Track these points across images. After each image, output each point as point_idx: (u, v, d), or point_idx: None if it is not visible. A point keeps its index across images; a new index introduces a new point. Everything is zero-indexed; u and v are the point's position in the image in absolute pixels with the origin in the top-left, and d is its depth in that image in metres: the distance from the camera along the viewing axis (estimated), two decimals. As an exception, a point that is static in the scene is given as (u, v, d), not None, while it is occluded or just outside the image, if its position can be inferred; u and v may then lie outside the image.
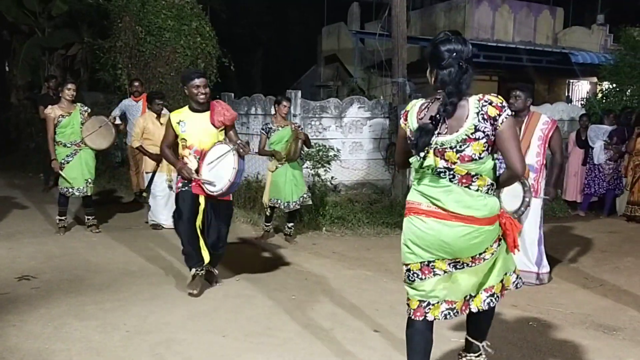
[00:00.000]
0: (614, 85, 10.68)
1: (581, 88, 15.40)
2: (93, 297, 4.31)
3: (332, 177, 8.43)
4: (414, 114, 2.61)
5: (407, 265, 2.66)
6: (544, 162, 5.07)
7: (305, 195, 6.38)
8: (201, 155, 4.36)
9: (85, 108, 6.44)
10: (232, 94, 10.23)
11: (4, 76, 14.26)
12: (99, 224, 6.62)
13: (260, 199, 7.78)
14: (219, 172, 4.26)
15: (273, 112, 6.59)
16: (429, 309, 2.63)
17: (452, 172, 2.54)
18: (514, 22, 14.52)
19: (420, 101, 2.64)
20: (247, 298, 4.47)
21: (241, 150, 4.23)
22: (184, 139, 4.40)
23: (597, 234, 7.43)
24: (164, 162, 6.76)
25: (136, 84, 8.10)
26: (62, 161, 6.18)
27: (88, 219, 6.54)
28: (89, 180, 6.32)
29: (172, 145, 4.53)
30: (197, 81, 4.31)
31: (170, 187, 6.63)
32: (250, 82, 19.36)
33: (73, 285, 4.59)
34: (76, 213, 7.18)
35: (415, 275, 2.63)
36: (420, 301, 2.64)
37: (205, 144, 4.38)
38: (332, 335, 3.75)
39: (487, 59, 12.68)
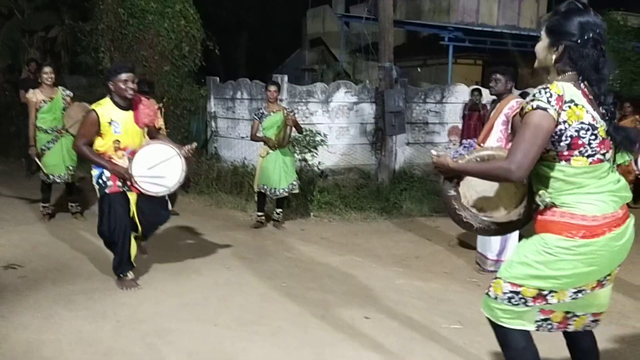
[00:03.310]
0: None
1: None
2: (81, 286, 4.27)
3: (319, 163, 8.43)
4: (584, 101, 2.09)
5: (520, 286, 2.18)
6: (507, 146, 4.91)
7: (294, 183, 6.36)
8: (131, 155, 4.15)
9: (68, 92, 6.31)
10: (217, 78, 10.12)
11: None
12: (84, 211, 6.54)
13: (247, 184, 7.77)
14: (162, 174, 4.14)
15: (265, 97, 6.52)
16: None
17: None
18: (498, 5, 14.54)
19: (570, 85, 2.09)
20: (238, 286, 4.47)
21: (187, 155, 4.23)
22: (117, 140, 4.12)
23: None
24: None
25: None
26: (43, 147, 6.06)
27: (71, 206, 6.46)
28: (71, 167, 6.21)
29: (91, 143, 4.15)
30: (124, 75, 4.06)
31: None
32: (235, 65, 19.15)
33: (60, 274, 4.54)
34: (60, 200, 7.08)
35: (522, 300, 2.20)
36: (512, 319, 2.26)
37: (137, 144, 4.21)
38: (324, 322, 3.76)
39: (472, 43, 12.69)
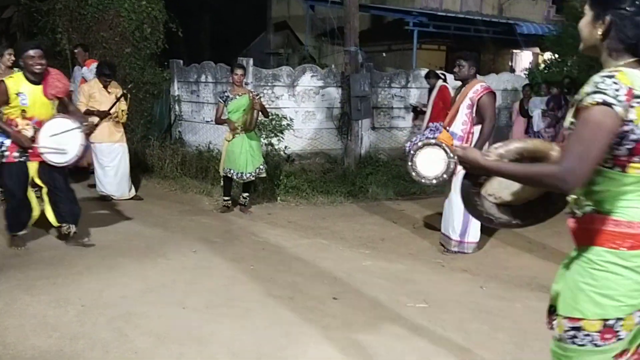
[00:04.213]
0: (557, 55, 11.05)
1: (524, 58, 15.85)
2: (44, 271, 4.17)
3: (285, 147, 8.42)
4: None
5: (580, 319, 1.73)
6: (471, 130, 4.98)
7: (261, 167, 6.33)
8: (38, 125, 4.52)
9: (26, 75, 6.11)
10: (181, 61, 9.94)
11: None
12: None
13: (212, 169, 7.70)
14: (61, 145, 4.48)
15: (231, 80, 6.44)
16: None
17: None
18: (461, -9, 14.71)
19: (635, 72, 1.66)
20: (205, 269, 4.45)
21: (87, 130, 4.67)
22: (24, 110, 4.50)
23: (539, 200, 7.76)
24: (109, 130, 6.55)
25: (75, 50, 7.75)
26: None
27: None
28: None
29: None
30: (31, 52, 4.44)
31: None
32: (198, 48, 18.81)
33: (21, 259, 4.43)
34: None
35: (588, 338, 1.73)
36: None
37: (44, 114, 4.57)
38: (293, 303, 3.80)
39: (436, 28, 12.81)
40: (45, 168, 4.57)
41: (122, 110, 6.63)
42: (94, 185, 6.86)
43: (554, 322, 1.85)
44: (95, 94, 6.55)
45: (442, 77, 8.72)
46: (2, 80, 4.48)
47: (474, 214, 2.11)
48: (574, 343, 1.75)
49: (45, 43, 9.94)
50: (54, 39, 9.59)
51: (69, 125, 4.51)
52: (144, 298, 3.79)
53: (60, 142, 4.48)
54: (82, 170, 7.55)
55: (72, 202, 4.83)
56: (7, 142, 4.50)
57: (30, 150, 4.52)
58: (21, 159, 4.54)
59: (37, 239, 5.01)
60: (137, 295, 3.84)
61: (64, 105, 4.76)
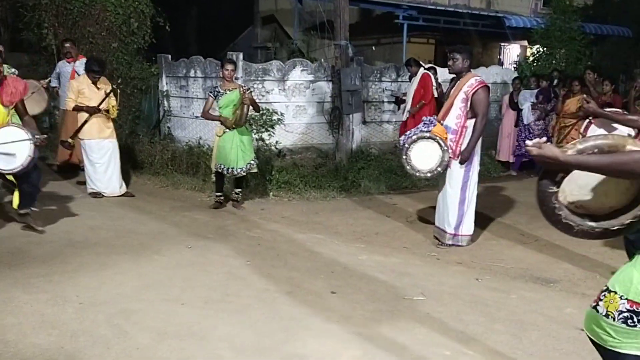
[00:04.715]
0: (545, 48, 11.13)
1: (512, 51, 15.95)
2: (39, 269, 4.13)
3: (276, 142, 8.40)
4: None
5: None
6: (465, 124, 5.00)
7: (252, 162, 6.30)
8: None
9: (13, 70, 6.04)
10: (169, 56, 9.84)
11: None
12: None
13: (203, 164, 7.66)
14: (10, 153, 4.53)
15: (221, 75, 6.40)
16: None
17: None
18: (450, -15, 14.72)
19: None
20: (201, 265, 4.44)
21: (38, 143, 4.60)
22: None
23: (529, 192, 7.79)
24: (98, 126, 6.49)
25: (67, 44, 7.64)
26: None
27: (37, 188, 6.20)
28: None
29: None
30: None
31: None
32: (185, 42, 18.65)
33: (16, 257, 4.38)
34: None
35: None
36: None
37: (0, 121, 4.59)
38: (291, 298, 3.81)
39: (426, 21, 12.83)
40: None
41: (113, 106, 6.57)
42: (83, 183, 6.79)
43: (603, 295, 1.86)
44: (85, 89, 6.48)
45: (423, 66, 8.75)
46: None
47: (552, 219, 1.96)
48: (624, 323, 1.78)
49: (30, 38, 9.86)
50: (40, 34, 9.47)
51: (21, 135, 4.55)
52: (141, 295, 3.78)
53: (9, 149, 4.53)
54: (72, 167, 7.50)
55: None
56: None
57: None
58: None
59: (29, 237, 4.96)
60: (134, 292, 3.82)
61: (20, 114, 4.83)
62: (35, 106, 5.96)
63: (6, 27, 11.80)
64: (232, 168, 6.19)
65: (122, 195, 6.70)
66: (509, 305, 3.90)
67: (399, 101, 9.24)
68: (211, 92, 6.30)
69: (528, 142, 1.84)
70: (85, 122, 6.43)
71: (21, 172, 4.62)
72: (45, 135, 4.81)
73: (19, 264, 4.24)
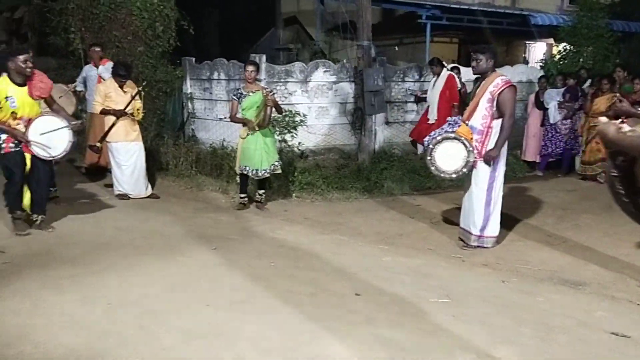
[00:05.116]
0: (572, 46, 10.93)
1: (537, 50, 15.70)
2: (67, 270, 4.20)
3: (299, 143, 8.42)
4: None
5: None
6: (491, 124, 4.91)
7: (276, 164, 6.33)
8: (27, 122, 4.90)
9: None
10: (193, 59, 9.95)
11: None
12: (62, 196, 6.42)
13: (227, 166, 7.72)
14: (52, 142, 4.93)
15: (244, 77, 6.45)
16: None
17: None
18: (473, -17, 14.56)
19: None
20: (226, 267, 4.46)
21: (75, 128, 5.06)
22: (14, 112, 4.86)
23: (556, 192, 7.73)
24: (125, 129, 6.58)
25: (97, 49, 7.77)
26: None
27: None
28: None
29: None
30: (22, 57, 4.81)
31: None
32: (208, 45, 18.81)
33: (45, 258, 4.47)
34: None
35: None
36: None
37: (32, 113, 4.96)
38: (315, 300, 3.81)
39: (450, 21, 12.71)
40: (33, 160, 5.00)
41: (138, 109, 6.66)
42: (111, 185, 6.90)
43: None
44: (111, 93, 6.59)
45: (446, 67, 8.69)
46: None
47: (620, 205, 1.86)
48: None
49: (58, 43, 10.06)
50: (67, 39, 9.65)
51: (58, 123, 4.96)
52: (168, 296, 3.82)
53: (49, 138, 4.90)
54: (100, 169, 7.63)
55: (43, 198, 5.28)
56: (3, 136, 4.89)
57: (22, 143, 4.93)
58: (17, 149, 4.94)
59: (58, 239, 5.05)
60: (160, 293, 3.86)
61: (48, 104, 5.17)
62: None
63: (34, 31, 12.07)
64: (256, 170, 6.22)
65: (147, 197, 6.78)
66: (537, 308, 3.84)
67: (418, 99, 9.22)
68: (234, 95, 6.34)
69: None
70: (113, 125, 6.54)
71: (64, 158, 5.10)
72: (81, 121, 5.20)
73: (48, 265, 4.32)
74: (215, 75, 9.28)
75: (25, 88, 4.91)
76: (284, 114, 7.86)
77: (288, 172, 7.43)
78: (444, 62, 8.86)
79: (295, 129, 8.48)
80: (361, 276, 4.34)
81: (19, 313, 3.42)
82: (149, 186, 6.93)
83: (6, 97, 4.81)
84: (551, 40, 13.38)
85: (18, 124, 4.90)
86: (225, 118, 8.23)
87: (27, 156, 4.99)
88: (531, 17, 12.79)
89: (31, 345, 3.03)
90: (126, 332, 3.21)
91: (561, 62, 10.97)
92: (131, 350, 3.01)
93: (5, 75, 4.91)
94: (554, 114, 8.82)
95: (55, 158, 5.07)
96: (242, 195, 6.53)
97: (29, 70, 4.87)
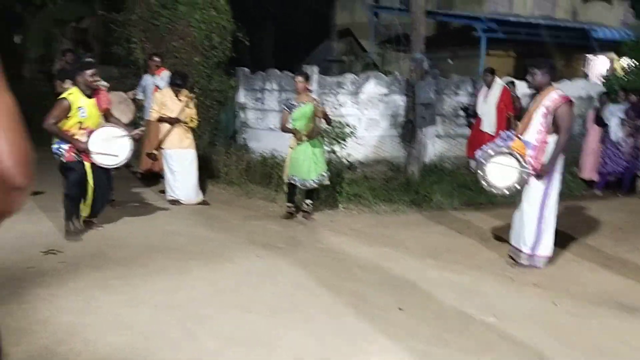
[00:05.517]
0: (637, 62, 10.49)
1: (598, 64, 15.15)
2: (118, 271, 4.35)
3: (347, 154, 8.41)
4: None
5: None
6: (546, 139, 4.77)
7: (324, 174, 6.35)
8: (89, 133, 5.17)
9: (104, 83, 6.41)
10: (247, 69, 10.15)
11: (15, 49, 14.21)
12: (117, 199, 6.65)
13: (276, 175, 7.80)
14: (113, 150, 5.21)
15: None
16: None
17: None
18: (532, -5, 14.25)
19: None
20: (270, 275, 4.50)
21: (136, 137, 5.45)
22: (80, 122, 5.15)
23: (615, 212, 7.38)
24: (179, 137, 6.77)
25: (157, 59, 8.07)
26: None
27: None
28: None
29: (58, 123, 5.11)
30: (89, 72, 5.17)
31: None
32: (262, 56, 19.18)
33: (97, 259, 4.65)
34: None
35: None
36: None
37: (95, 124, 5.27)
38: (358, 312, 3.78)
39: (506, 34, 12.45)
40: (94, 168, 5.26)
41: (192, 118, 6.85)
42: (164, 191, 7.10)
43: None
44: (167, 101, 6.80)
45: (500, 79, 8.53)
46: (65, 98, 5.10)
47: None
48: None
49: (120, 52, 10.50)
50: (129, 49, 10.04)
51: (119, 133, 5.28)
52: (212, 301, 3.88)
53: (111, 147, 5.20)
54: (154, 175, 7.87)
55: (103, 204, 5.56)
56: (65, 146, 5.18)
57: (83, 153, 5.19)
58: (78, 159, 5.22)
59: (110, 240, 5.24)
60: (205, 297, 3.93)
61: (106, 117, 5.47)
62: (122, 117, 6.31)
63: (98, 41, 12.65)
64: (305, 180, 6.27)
65: (198, 204, 6.93)
66: (589, 333, 3.67)
67: (467, 111, 9.06)
68: (286, 105, 6.42)
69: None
70: (168, 132, 6.74)
71: (125, 164, 5.47)
72: (143, 128, 5.59)
73: (100, 265, 4.48)
74: (268, 86, 9.42)
75: (93, 100, 5.26)
76: (332, 125, 7.89)
77: (336, 182, 7.43)
78: (510, 81, 8.71)
79: (345, 140, 8.49)
80: (405, 290, 4.28)
81: (72, 311, 3.56)
82: (200, 193, 7.08)
83: (78, 107, 5.13)
84: (613, 55, 12.89)
85: (83, 134, 5.18)
86: (275, 128, 8.33)
87: (87, 165, 5.23)
88: (592, 31, 12.37)
89: (81, 343, 3.14)
90: (169, 334, 3.28)
91: (626, 79, 10.53)
92: (173, 352, 3.07)
93: (75, 87, 5.23)
94: (616, 131, 8.45)
95: (117, 166, 5.34)
96: (290, 205, 6.57)
97: (95, 84, 5.25)
